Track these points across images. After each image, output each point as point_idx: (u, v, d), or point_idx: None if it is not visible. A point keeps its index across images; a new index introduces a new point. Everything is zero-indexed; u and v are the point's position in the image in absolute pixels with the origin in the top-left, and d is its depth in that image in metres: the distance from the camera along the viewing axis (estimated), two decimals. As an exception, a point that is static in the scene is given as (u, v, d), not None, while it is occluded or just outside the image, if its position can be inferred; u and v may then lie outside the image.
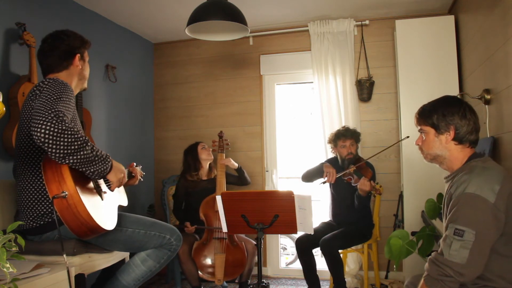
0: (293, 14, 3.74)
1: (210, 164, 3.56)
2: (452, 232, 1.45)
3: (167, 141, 4.41)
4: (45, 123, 1.57)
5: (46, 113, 1.59)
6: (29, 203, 1.86)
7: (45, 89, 1.75)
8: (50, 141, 1.57)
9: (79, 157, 1.64)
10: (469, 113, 1.61)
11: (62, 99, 1.72)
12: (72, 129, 1.62)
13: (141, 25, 3.94)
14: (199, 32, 2.77)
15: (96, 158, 1.71)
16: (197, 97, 4.34)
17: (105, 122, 3.62)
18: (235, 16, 2.53)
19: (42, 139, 1.56)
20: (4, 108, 1.65)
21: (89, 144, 1.69)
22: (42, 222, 1.85)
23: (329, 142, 3.31)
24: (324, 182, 3.02)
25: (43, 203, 1.85)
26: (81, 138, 1.64)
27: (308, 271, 3.05)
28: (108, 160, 1.78)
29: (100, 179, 1.88)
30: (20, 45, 2.67)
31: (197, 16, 2.53)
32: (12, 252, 1.31)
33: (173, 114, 4.41)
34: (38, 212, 1.85)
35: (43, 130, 1.56)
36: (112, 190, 1.95)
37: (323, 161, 3.51)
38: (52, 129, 1.57)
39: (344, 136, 3.17)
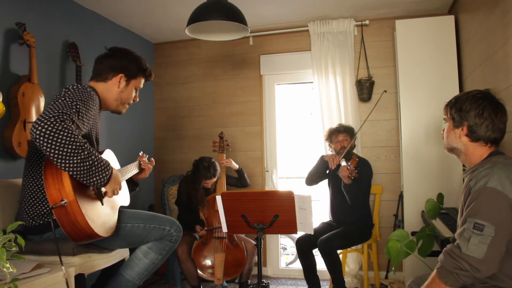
0: (293, 14, 3.74)
1: None
2: (472, 226, 1.43)
3: (167, 141, 4.41)
4: (44, 121, 1.51)
5: (49, 113, 1.54)
6: (30, 202, 1.86)
7: (67, 93, 1.72)
8: (44, 140, 1.50)
9: (75, 161, 1.56)
10: (488, 112, 1.57)
11: (77, 106, 1.66)
12: (70, 131, 1.54)
13: (141, 25, 3.93)
14: (199, 32, 2.77)
15: (94, 167, 1.64)
16: (197, 97, 4.33)
17: (105, 122, 3.61)
18: (235, 16, 2.53)
19: (38, 138, 1.50)
20: (4, 108, 1.65)
21: (87, 149, 1.60)
22: (42, 222, 1.85)
23: (326, 139, 3.35)
24: (331, 169, 3.13)
25: (44, 203, 1.85)
26: (78, 142, 1.56)
27: (309, 271, 3.05)
28: (108, 168, 1.72)
29: (99, 187, 1.82)
30: (20, 45, 2.67)
31: (197, 16, 2.53)
32: (12, 252, 1.31)
33: (173, 114, 4.41)
34: (39, 211, 1.85)
35: (39, 128, 1.50)
36: (109, 196, 1.87)
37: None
38: (48, 127, 1.50)
39: (337, 131, 3.24)
